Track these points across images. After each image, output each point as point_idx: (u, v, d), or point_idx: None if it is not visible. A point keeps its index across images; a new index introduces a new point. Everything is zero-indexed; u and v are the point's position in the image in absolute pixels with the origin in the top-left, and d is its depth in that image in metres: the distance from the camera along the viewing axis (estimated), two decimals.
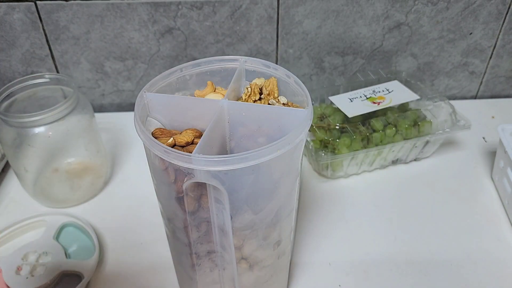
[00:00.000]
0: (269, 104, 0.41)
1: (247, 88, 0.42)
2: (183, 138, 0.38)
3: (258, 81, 0.43)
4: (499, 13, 0.73)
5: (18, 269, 0.52)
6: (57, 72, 0.77)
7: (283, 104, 0.41)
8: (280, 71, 0.43)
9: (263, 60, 0.44)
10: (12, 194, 0.65)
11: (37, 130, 0.55)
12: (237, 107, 0.39)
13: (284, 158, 0.37)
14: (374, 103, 0.65)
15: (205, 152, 0.37)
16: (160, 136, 0.39)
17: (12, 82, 0.58)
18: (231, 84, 0.41)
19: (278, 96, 0.42)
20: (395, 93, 0.67)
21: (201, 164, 0.34)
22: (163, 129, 0.41)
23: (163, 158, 0.35)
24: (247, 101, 0.41)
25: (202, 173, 0.35)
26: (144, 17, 0.71)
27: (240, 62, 0.44)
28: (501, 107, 0.81)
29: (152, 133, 0.40)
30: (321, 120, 0.66)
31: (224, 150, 0.41)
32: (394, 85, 0.69)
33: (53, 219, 0.58)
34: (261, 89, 0.43)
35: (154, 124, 0.42)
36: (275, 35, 0.74)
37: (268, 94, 0.41)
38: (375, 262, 0.54)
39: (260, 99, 0.42)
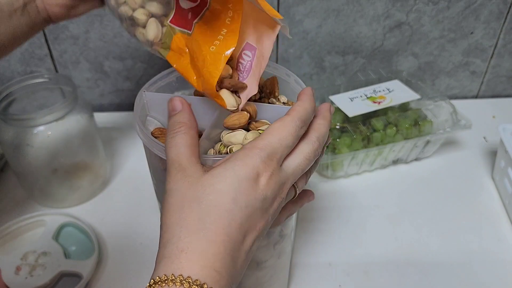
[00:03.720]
0: (269, 103, 0.41)
1: None
2: None
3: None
4: (500, 13, 0.73)
5: (17, 269, 0.52)
6: (56, 71, 0.77)
7: (283, 103, 0.41)
8: (280, 70, 0.43)
9: None
10: (11, 194, 0.64)
11: (36, 129, 0.55)
12: None
13: None
14: (375, 102, 0.65)
15: (205, 152, 0.37)
16: (159, 135, 0.39)
17: (11, 82, 0.58)
18: None
19: (278, 95, 0.42)
20: (396, 93, 0.67)
21: None
22: (163, 128, 0.41)
23: (164, 158, 0.35)
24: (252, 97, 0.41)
25: None
26: None
27: None
28: (502, 106, 0.81)
29: (151, 132, 0.40)
30: None
31: None
32: (395, 84, 0.69)
33: (52, 219, 0.58)
34: (261, 88, 0.43)
35: (154, 124, 0.42)
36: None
37: (269, 93, 0.41)
38: (376, 262, 0.54)
39: (260, 98, 0.42)
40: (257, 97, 0.42)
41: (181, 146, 0.31)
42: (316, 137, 0.34)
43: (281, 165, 0.31)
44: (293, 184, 0.33)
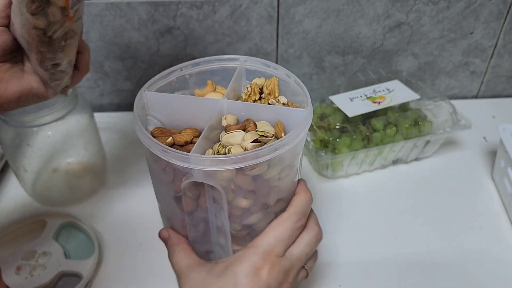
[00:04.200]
0: (269, 103, 0.41)
1: (247, 88, 0.42)
2: (182, 138, 0.38)
3: (259, 81, 0.43)
4: (500, 13, 0.73)
5: (18, 269, 0.52)
6: None
7: (283, 104, 0.41)
8: (280, 71, 0.43)
9: (263, 59, 0.43)
10: (12, 194, 0.64)
11: (36, 129, 0.55)
12: (237, 106, 0.39)
13: (284, 158, 0.37)
14: (375, 102, 0.65)
15: (203, 152, 0.37)
16: (159, 135, 0.39)
17: None
18: (231, 84, 0.41)
19: (278, 96, 0.42)
20: (396, 93, 0.67)
21: (199, 163, 0.34)
22: (163, 128, 0.41)
23: (162, 157, 0.35)
24: (247, 100, 0.41)
25: (200, 173, 0.34)
26: (144, 16, 0.71)
27: (240, 62, 0.44)
28: (502, 106, 0.81)
29: (151, 132, 0.40)
30: (321, 120, 0.65)
31: None
32: (395, 84, 0.69)
33: (53, 219, 0.58)
34: (261, 89, 0.43)
35: (154, 123, 0.42)
36: (275, 35, 0.74)
37: (269, 94, 0.41)
38: (375, 262, 0.54)
39: (260, 98, 0.42)
40: (257, 97, 0.42)
41: (180, 260, 0.39)
42: (314, 222, 0.40)
43: (284, 255, 0.37)
44: (303, 266, 0.39)
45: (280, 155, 0.34)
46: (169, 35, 0.73)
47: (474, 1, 0.71)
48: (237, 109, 0.39)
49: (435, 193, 0.64)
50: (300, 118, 0.37)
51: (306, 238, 0.38)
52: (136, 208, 0.62)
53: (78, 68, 0.44)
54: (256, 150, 0.33)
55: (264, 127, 0.38)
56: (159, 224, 0.59)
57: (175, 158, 0.34)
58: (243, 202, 0.37)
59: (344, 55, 0.77)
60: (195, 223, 0.40)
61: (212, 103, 0.39)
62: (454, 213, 0.60)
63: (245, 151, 0.35)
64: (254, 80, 0.43)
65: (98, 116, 0.65)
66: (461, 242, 0.57)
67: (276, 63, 0.76)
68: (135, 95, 0.41)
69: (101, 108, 0.82)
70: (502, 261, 0.54)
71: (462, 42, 0.76)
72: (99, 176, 0.65)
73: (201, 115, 0.40)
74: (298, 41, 0.75)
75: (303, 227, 0.39)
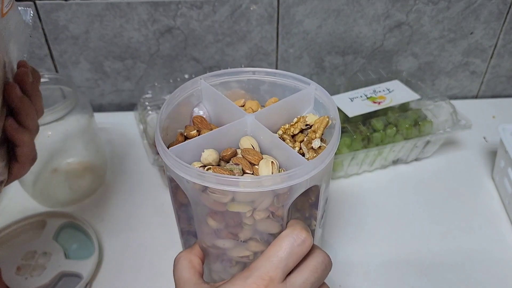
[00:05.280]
0: (301, 142, 0.39)
1: (297, 119, 0.40)
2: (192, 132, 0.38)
3: (310, 118, 0.40)
4: (500, 13, 0.73)
5: (18, 269, 0.52)
6: (56, 71, 0.77)
7: (313, 147, 0.38)
8: (332, 111, 0.40)
9: (328, 93, 0.41)
10: (12, 194, 0.64)
11: None
12: (260, 129, 0.38)
13: (252, 200, 0.34)
14: (375, 102, 0.65)
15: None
16: (198, 122, 0.39)
17: None
18: (281, 102, 0.40)
19: (318, 137, 0.39)
20: (396, 93, 0.67)
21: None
22: (203, 118, 0.40)
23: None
24: (288, 129, 0.40)
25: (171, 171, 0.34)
26: (144, 16, 0.71)
27: (311, 88, 0.42)
28: (502, 107, 0.81)
29: (192, 118, 0.40)
30: None
31: None
32: (395, 84, 0.69)
33: (53, 219, 0.58)
34: (310, 125, 0.41)
35: (201, 111, 0.42)
36: (275, 35, 0.74)
37: (313, 131, 0.39)
38: (375, 262, 0.54)
39: (302, 131, 0.40)
40: (296, 132, 0.40)
41: (182, 269, 0.36)
42: (319, 248, 0.34)
43: (285, 281, 0.32)
44: None
45: (244, 195, 0.32)
46: (169, 35, 0.73)
47: (474, 1, 0.71)
48: (260, 131, 0.37)
49: (435, 193, 0.64)
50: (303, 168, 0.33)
51: (311, 264, 0.33)
52: (136, 208, 0.62)
53: (18, 161, 0.41)
54: (210, 174, 0.32)
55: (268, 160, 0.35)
56: (158, 225, 0.59)
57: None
58: (210, 221, 0.35)
59: (344, 55, 0.77)
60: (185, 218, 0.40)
61: (239, 114, 0.38)
62: (454, 213, 0.60)
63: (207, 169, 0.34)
64: (307, 115, 0.41)
65: (98, 116, 0.65)
66: (461, 242, 0.57)
67: (276, 63, 0.77)
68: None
69: (101, 108, 0.82)
70: (502, 261, 0.54)
71: (462, 42, 0.76)
72: (99, 176, 0.65)
73: (229, 121, 0.39)
74: (298, 41, 0.75)
75: (307, 249, 0.33)
